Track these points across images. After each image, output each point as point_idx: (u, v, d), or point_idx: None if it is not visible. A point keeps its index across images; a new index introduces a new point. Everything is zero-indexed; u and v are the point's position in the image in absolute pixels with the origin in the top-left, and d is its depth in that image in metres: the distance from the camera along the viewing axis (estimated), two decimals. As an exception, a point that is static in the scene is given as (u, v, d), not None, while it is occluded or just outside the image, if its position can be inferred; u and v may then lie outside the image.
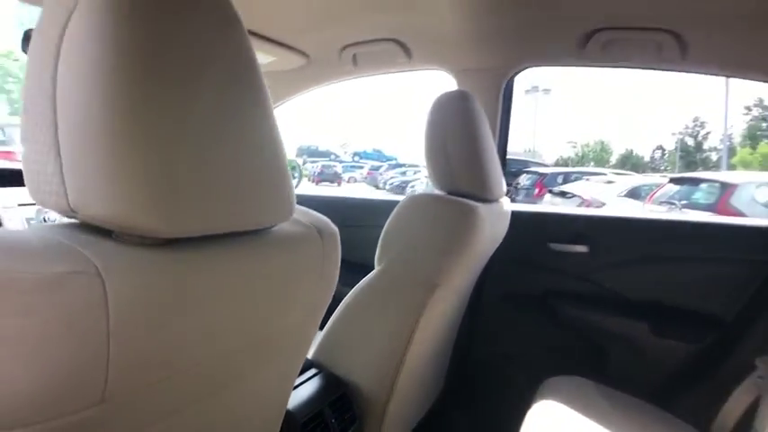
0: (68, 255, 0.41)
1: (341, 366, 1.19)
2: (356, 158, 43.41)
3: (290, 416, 0.99)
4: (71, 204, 0.45)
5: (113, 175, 0.43)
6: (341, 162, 34.83)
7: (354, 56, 1.67)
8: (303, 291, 0.69)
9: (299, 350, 0.78)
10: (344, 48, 1.65)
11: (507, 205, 1.52)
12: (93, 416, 0.44)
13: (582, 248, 1.69)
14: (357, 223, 1.27)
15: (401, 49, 1.62)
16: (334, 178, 24.54)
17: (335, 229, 0.73)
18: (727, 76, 1.51)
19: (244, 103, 0.52)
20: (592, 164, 40.11)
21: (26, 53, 0.50)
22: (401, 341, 1.18)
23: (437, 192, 1.32)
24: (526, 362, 1.57)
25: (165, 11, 0.45)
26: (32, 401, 0.39)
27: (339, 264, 0.74)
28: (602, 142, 46.22)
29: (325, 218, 0.73)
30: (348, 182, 27.03)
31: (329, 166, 26.49)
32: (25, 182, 0.49)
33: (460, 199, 1.23)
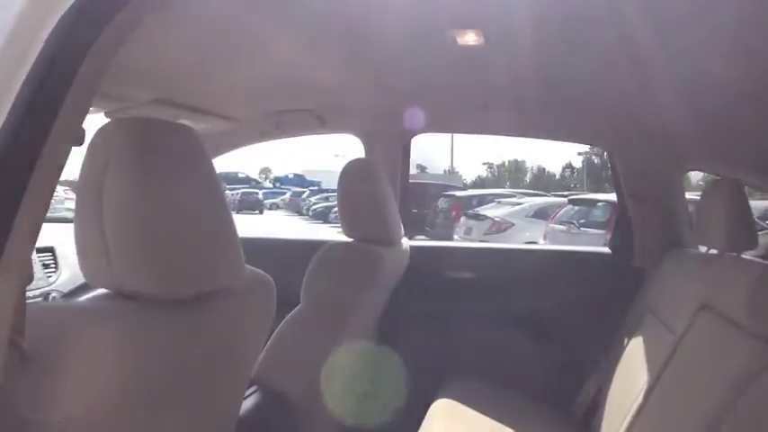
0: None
1: (278, 381, 1.50)
2: (277, 185, 43.03)
3: (241, 420, 1.28)
4: (116, 281, 0.76)
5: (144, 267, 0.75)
6: (261, 189, 34.48)
7: (278, 122, 2.01)
8: (252, 331, 1.01)
9: (247, 372, 1.09)
10: (270, 115, 1.98)
11: (405, 244, 1.89)
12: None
13: (469, 274, 2.08)
14: (282, 264, 1.57)
15: (317, 119, 1.97)
16: (256, 206, 23.93)
17: (271, 280, 1.05)
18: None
19: (209, 201, 0.85)
20: (508, 184, 41.82)
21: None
22: (324, 359, 1.51)
23: (348, 239, 1.67)
24: (428, 371, 1.92)
25: (161, 169, 0.77)
26: None
27: (275, 305, 1.06)
28: (517, 161, 48.28)
29: (261, 272, 1.05)
30: (270, 208, 26.73)
31: (250, 194, 25.93)
32: (81, 269, 0.79)
33: (367, 246, 1.58)
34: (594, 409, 1.71)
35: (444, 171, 43.22)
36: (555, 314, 1.97)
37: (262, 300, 1.05)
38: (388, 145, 2.08)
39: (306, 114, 1.95)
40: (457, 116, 2.06)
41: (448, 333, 1.99)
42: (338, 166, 1.81)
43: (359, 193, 1.63)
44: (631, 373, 1.48)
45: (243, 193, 25.15)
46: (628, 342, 1.67)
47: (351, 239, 1.67)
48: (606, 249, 2.21)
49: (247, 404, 1.39)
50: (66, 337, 0.67)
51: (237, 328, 1.03)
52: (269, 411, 1.46)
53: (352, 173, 1.66)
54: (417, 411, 1.65)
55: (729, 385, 0.98)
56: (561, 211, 9.43)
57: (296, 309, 1.55)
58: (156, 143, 0.78)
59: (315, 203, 22.03)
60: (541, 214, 10.44)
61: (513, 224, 9.98)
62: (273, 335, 1.52)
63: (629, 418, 1.33)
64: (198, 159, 0.85)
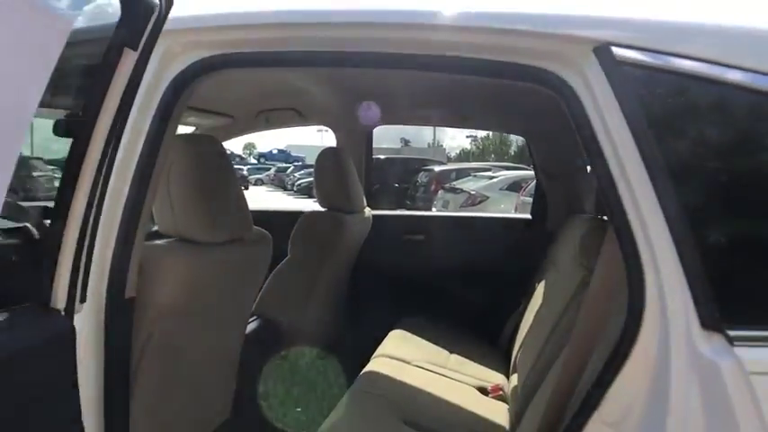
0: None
1: (272, 312, 2.03)
2: (262, 160, 43.17)
3: (245, 339, 1.81)
4: (178, 230, 1.28)
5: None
6: (246, 165, 34.70)
7: (266, 118, 2.50)
8: (256, 272, 1.54)
9: (251, 303, 1.64)
10: (260, 112, 2.48)
11: (368, 213, 2.41)
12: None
13: (420, 237, 2.63)
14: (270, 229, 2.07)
15: (298, 115, 2.48)
16: (241, 182, 24.48)
17: (269, 236, 1.58)
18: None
19: (230, 177, 1.38)
20: (492, 156, 42.26)
21: (57, 135, 0.98)
22: (306, 297, 2.06)
23: (321, 209, 2.20)
24: (387, 309, 2.45)
25: (205, 158, 1.29)
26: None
27: (271, 254, 1.60)
28: (501, 135, 48.60)
29: (261, 229, 1.57)
30: (255, 184, 27.10)
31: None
32: (156, 222, 1.30)
33: (335, 213, 2.11)
34: (513, 338, 2.25)
35: (428, 144, 43.63)
36: (487, 267, 2.49)
37: (263, 249, 1.57)
38: (354, 135, 2.60)
39: (290, 112, 2.45)
40: (406, 112, 2.60)
41: (403, 282, 2.52)
42: (321, 141, 2.31)
43: (328, 173, 2.16)
44: (537, 311, 2.00)
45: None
46: (536, 288, 2.20)
47: (324, 209, 2.20)
48: (529, 216, 2.77)
49: (249, 328, 1.92)
50: (153, 265, 1.19)
51: (249, 268, 1.56)
52: (265, 334, 1.99)
53: (324, 158, 2.18)
54: (378, 339, 2.18)
55: (569, 298, 1.51)
56: (531, 184, 9.95)
57: (284, 259, 2.08)
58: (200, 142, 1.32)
59: (299, 179, 22.42)
60: (514, 187, 10.94)
61: (487, 197, 10.51)
62: (268, 279, 2.04)
63: (521, 350, 1.88)
64: (222, 151, 1.38)
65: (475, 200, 10.46)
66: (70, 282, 0.91)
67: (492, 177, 11.72)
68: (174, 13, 0.92)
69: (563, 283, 1.68)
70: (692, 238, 0.79)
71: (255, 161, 45.75)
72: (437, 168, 14.27)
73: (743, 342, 0.74)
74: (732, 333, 0.75)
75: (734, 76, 0.83)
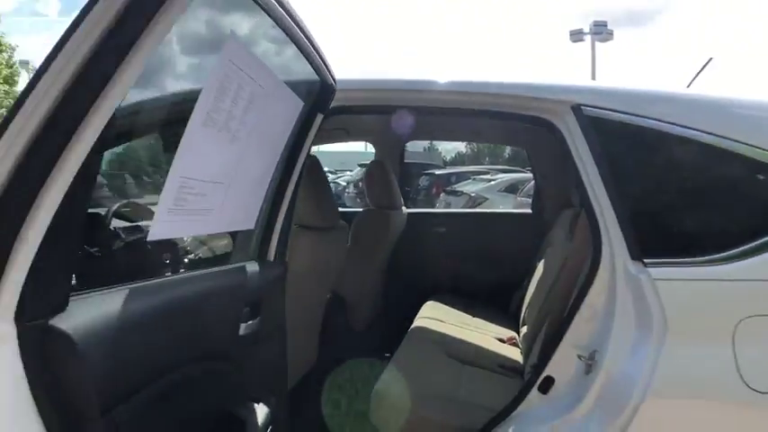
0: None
1: (339, 289, 2.69)
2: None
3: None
4: (298, 219, 1.94)
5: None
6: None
7: (321, 136, 3.17)
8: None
9: (332, 281, 2.32)
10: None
11: (404, 210, 3.07)
12: None
13: (443, 229, 3.29)
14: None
15: (347, 133, 3.14)
16: None
17: (346, 225, 2.24)
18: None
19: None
20: (487, 159, 43.09)
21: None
22: (363, 276, 2.72)
23: (372, 207, 2.86)
24: (420, 286, 3.10)
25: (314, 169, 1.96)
26: None
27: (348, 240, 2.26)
28: (497, 140, 49.16)
29: (343, 221, 2.23)
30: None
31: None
32: None
33: (383, 210, 2.77)
34: (521, 304, 2.89)
35: (424, 149, 44.52)
36: (497, 252, 3.14)
37: (343, 235, 2.23)
38: (391, 149, 3.27)
39: (340, 131, 3.10)
40: (432, 129, 3.28)
41: (432, 264, 3.18)
42: (334, 147, 2.93)
43: (377, 180, 2.82)
44: (538, 281, 2.64)
45: None
46: (537, 266, 2.85)
47: (374, 208, 2.86)
48: (530, 211, 3.44)
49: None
50: (291, 243, 1.84)
51: (339, 248, 2.21)
52: (334, 307, 2.64)
53: (373, 168, 2.85)
54: (415, 309, 2.83)
55: (560, 267, 2.15)
56: (528, 185, 10.62)
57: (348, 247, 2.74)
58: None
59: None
60: (512, 189, 11.59)
61: (486, 198, 11.16)
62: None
63: (528, 308, 2.53)
64: (317, 162, 2.03)
65: (475, 201, 11.10)
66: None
67: (490, 180, 12.36)
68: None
69: (556, 257, 2.31)
70: (626, 220, 1.45)
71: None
72: (437, 172, 14.89)
73: (650, 265, 1.39)
74: (645, 260, 1.40)
75: (651, 123, 1.49)
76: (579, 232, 1.76)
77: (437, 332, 2.45)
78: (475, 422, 1.66)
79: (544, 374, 1.54)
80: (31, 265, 0.74)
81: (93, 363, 0.83)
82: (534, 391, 1.55)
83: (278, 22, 1.13)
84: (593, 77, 34.18)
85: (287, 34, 1.18)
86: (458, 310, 2.86)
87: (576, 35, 33.35)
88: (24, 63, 35.15)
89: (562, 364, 1.52)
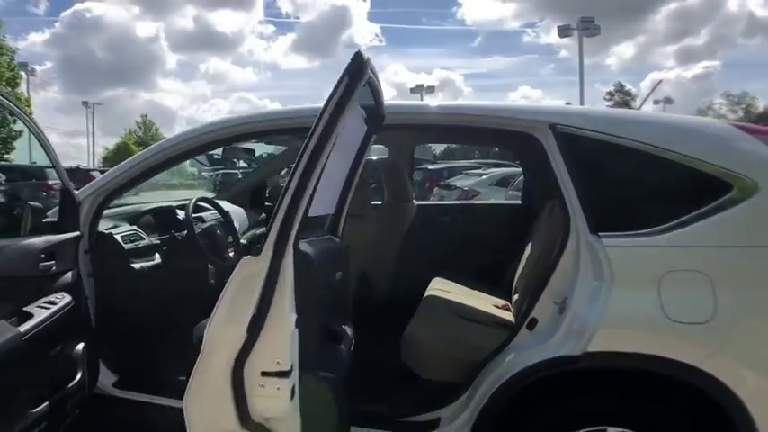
0: None
1: (360, 264, 3.30)
2: (253, 165, 44.11)
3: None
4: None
5: None
6: (238, 169, 35.60)
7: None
8: None
9: None
10: None
11: (415, 202, 3.68)
12: None
13: (447, 219, 3.90)
14: None
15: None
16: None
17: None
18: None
19: None
20: (477, 153, 43.96)
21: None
22: (382, 255, 3.33)
23: (390, 200, 3.46)
24: (428, 266, 3.70)
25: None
26: None
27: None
28: (485, 134, 49.90)
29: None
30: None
31: (230, 174, 27.16)
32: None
33: (399, 202, 3.38)
34: (512, 282, 3.50)
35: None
36: (493, 236, 3.76)
37: (372, 222, 2.83)
38: (402, 150, 3.87)
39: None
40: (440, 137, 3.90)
41: (437, 249, 3.79)
42: None
43: (395, 177, 3.42)
44: (526, 259, 3.24)
45: (223, 174, 26.32)
46: (526, 247, 3.46)
47: (391, 200, 3.46)
48: (520, 202, 4.07)
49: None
50: None
51: (366, 233, 2.82)
52: (361, 280, 3.24)
53: (390, 167, 3.45)
54: (424, 284, 3.43)
55: (543, 247, 2.76)
56: (518, 180, 11.26)
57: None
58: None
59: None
60: (503, 183, 12.25)
61: (478, 192, 11.82)
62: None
63: (518, 280, 3.14)
64: None
65: (468, 195, 11.74)
66: None
67: (482, 174, 13.00)
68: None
69: (540, 239, 2.93)
70: (587, 206, 2.06)
71: (246, 165, 46.67)
72: (430, 167, 15.47)
73: (602, 237, 2.01)
74: (599, 234, 2.02)
75: (603, 137, 2.11)
76: (555, 217, 2.37)
77: (446, 299, 3.07)
78: (479, 356, 2.27)
79: (530, 317, 2.16)
80: None
81: None
82: (523, 329, 2.17)
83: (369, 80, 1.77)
84: (581, 72, 35.01)
85: (371, 88, 1.80)
86: (460, 284, 3.47)
87: (564, 30, 34.13)
88: (23, 65, 35.40)
89: (543, 309, 2.14)
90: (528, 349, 2.11)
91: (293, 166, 1.62)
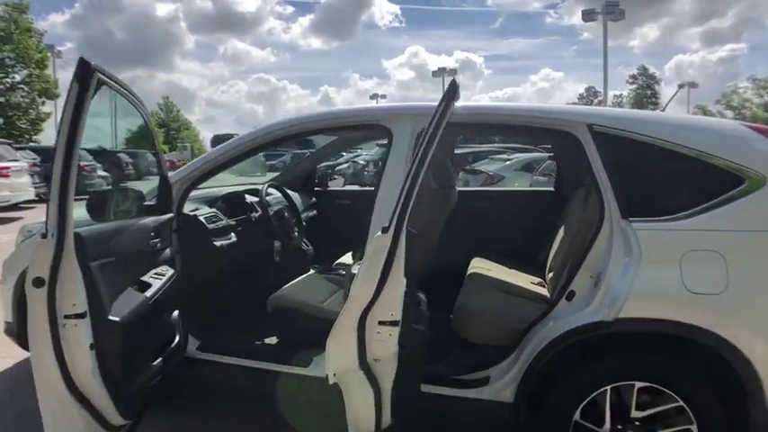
0: None
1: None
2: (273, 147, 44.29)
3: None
4: None
5: None
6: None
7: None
8: None
9: None
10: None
11: (456, 188, 4.05)
12: None
13: (487, 203, 4.27)
14: None
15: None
16: (258, 168, 25.72)
17: None
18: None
19: None
20: (497, 138, 44.13)
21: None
22: (428, 239, 3.71)
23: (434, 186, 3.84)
24: (468, 246, 4.08)
25: None
26: None
27: None
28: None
29: None
30: (270, 171, 28.46)
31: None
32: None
33: (443, 188, 3.76)
34: (546, 261, 3.87)
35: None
36: (527, 220, 4.12)
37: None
38: (443, 143, 4.23)
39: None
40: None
41: (476, 231, 4.17)
42: None
43: (439, 165, 3.79)
44: (560, 241, 3.60)
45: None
46: (558, 230, 3.82)
47: (436, 186, 3.83)
48: (552, 189, 4.42)
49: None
50: None
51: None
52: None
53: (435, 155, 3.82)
54: (465, 263, 3.81)
55: (576, 230, 3.12)
56: (543, 165, 11.57)
57: None
58: None
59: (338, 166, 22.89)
60: (527, 168, 12.53)
61: (503, 177, 12.12)
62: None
63: (553, 259, 3.51)
64: None
65: (493, 180, 12.05)
66: None
67: (507, 159, 13.27)
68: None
69: (573, 222, 3.30)
70: (620, 195, 2.42)
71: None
72: (455, 152, 15.72)
73: (632, 221, 2.38)
74: (630, 219, 2.38)
75: (634, 135, 2.47)
76: (590, 204, 2.73)
77: (487, 276, 3.45)
78: (522, 324, 2.66)
79: (569, 289, 2.53)
80: None
81: None
82: (563, 300, 2.55)
83: None
84: (605, 57, 34.77)
85: None
86: (497, 263, 3.85)
87: (588, 15, 33.85)
88: (50, 47, 36.04)
89: (580, 282, 2.51)
90: (566, 317, 2.49)
91: (411, 166, 2.02)
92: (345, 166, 21.11)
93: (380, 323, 2.00)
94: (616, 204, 2.43)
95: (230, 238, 3.43)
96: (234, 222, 3.53)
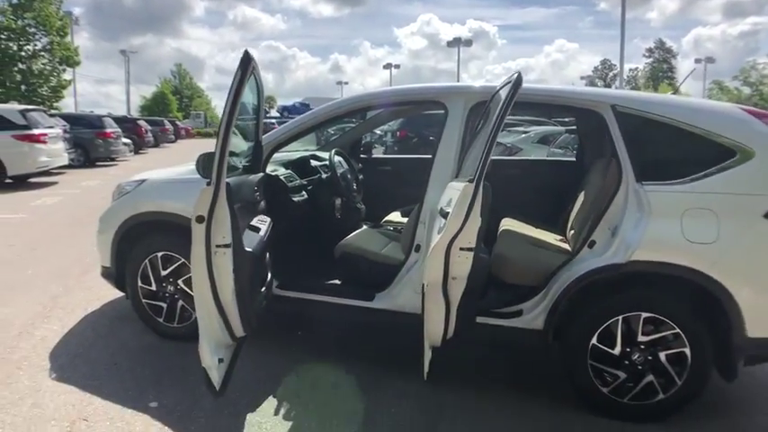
0: None
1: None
2: (285, 113, 44.60)
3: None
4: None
5: None
6: (270, 118, 36.66)
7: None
8: None
9: None
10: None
11: None
12: None
13: (516, 171, 4.85)
14: None
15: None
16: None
17: None
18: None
19: None
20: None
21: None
22: None
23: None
24: (499, 209, 4.65)
25: None
26: None
27: None
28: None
29: None
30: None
31: (265, 124, 28.23)
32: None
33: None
34: (567, 221, 4.44)
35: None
36: (551, 187, 4.69)
37: None
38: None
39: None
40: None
41: (505, 193, 4.73)
42: (343, 94, 4.29)
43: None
44: (580, 204, 4.16)
45: (278, 123, 27.67)
46: (578, 195, 4.38)
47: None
48: (574, 159, 4.98)
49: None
50: None
51: None
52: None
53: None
54: (495, 224, 4.39)
55: (596, 194, 3.69)
56: (560, 138, 12.06)
57: None
58: None
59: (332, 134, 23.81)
60: (544, 140, 13.00)
61: (521, 149, 12.61)
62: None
63: (574, 219, 4.09)
64: None
65: (511, 151, 12.54)
66: None
67: (525, 132, 13.74)
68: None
69: (593, 188, 3.87)
70: (636, 164, 3.01)
71: (278, 114, 47.12)
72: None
73: (644, 185, 2.97)
74: (642, 182, 2.97)
75: (650, 115, 3.05)
76: (610, 170, 3.31)
77: (518, 232, 4.05)
78: (550, 268, 3.26)
79: (590, 239, 3.13)
80: None
81: None
82: (585, 248, 3.15)
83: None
84: (623, 30, 34.66)
85: None
86: (525, 223, 4.44)
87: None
88: (68, 13, 36.38)
89: (600, 233, 3.11)
90: (588, 260, 3.10)
91: (490, 129, 2.64)
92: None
93: (461, 249, 2.60)
94: (632, 171, 3.02)
95: (303, 196, 4.05)
96: (305, 182, 4.14)
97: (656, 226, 2.94)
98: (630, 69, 60.14)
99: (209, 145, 2.88)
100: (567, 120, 18.01)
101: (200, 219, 2.56)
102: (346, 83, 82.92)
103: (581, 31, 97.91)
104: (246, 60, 2.67)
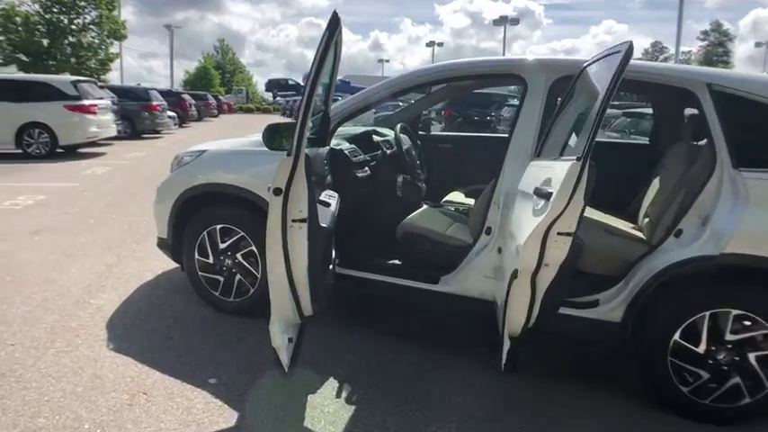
0: None
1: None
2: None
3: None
4: None
5: None
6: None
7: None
8: None
9: None
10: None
11: None
12: None
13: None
14: None
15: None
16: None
17: None
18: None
19: None
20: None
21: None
22: None
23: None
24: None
25: None
26: None
27: None
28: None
29: None
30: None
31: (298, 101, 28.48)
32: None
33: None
34: (639, 207, 4.18)
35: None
36: (625, 169, 4.31)
37: None
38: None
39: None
40: None
41: None
42: (384, 72, 4.03)
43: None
44: (657, 191, 3.91)
45: (293, 101, 27.89)
46: (653, 180, 4.11)
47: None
48: (647, 142, 4.71)
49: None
50: None
51: None
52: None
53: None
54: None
55: (676, 182, 3.45)
56: (616, 122, 11.63)
57: None
58: None
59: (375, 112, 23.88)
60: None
61: (574, 131, 12.19)
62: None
63: (650, 206, 3.85)
64: None
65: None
66: None
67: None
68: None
69: (672, 173, 3.61)
70: (732, 148, 2.77)
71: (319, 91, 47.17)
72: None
73: (742, 171, 2.73)
74: (740, 169, 2.73)
75: (748, 95, 2.80)
76: (701, 154, 3.07)
77: (590, 218, 3.83)
78: (626, 258, 3.06)
79: (677, 228, 2.91)
80: None
81: None
82: (671, 237, 2.93)
83: None
84: (680, 10, 33.25)
85: None
86: (594, 209, 4.21)
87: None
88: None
89: (689, 222, 2.88)
90: (674, 251, 2.88)
91: (600, 103, 2.45)
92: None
93: (559, 233, 2.41)
94: (728, 154, 2.78)
95: (366, 172, 3.90)
96: (369, 158, 4.00)
97: (753, 216, 2.70)
98: (683, 53, 57.82)
99: (251, 119, 2.76)
100: (617, 103, 17.51)
101: (277, 191, 2.43)
102: (387, 60, 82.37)
103: (631, 11, 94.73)
104: (335, 21, 2.51)
